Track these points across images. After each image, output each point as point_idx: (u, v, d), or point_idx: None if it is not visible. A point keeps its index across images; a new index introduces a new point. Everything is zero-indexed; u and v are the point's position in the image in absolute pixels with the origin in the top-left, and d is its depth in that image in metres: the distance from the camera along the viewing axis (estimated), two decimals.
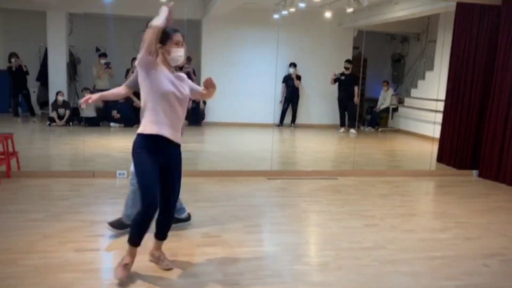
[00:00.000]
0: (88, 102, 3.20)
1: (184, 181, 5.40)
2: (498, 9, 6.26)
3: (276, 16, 9.39)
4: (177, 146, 3.00)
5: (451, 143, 6.83)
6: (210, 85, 3.14)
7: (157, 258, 3.10)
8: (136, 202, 3.25)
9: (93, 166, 5.89)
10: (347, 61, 10.47)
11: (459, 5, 6.60)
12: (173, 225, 3.23)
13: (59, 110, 9.33)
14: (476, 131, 6.58)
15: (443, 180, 6.24)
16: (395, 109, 11.19)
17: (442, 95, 7.16)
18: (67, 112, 9.40)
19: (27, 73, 9.97)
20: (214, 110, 10.73)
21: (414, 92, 10.67)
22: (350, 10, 8.51)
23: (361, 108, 11.30)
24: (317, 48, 11.04)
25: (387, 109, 11.15)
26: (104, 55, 10.01)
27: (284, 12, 8.88)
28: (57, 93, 9.28)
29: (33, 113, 10.11)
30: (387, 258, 3.45)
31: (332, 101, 10.84)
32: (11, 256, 3.15)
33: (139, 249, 2.98)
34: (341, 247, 3.64)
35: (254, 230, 3.96)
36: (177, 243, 3.53)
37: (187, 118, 10.96)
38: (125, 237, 3.57)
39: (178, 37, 2.93)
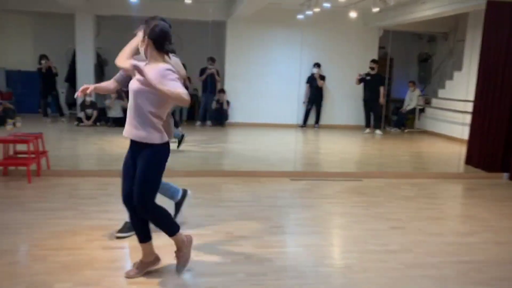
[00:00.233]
0: (86, 92, 3.16)
1: (208, 181, 5.49)
2: None
3: (300, 16, 9.36)
4: (139, 142, 2.83)
5: (480, 145, 6.66)
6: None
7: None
8: None
9: (120, 165, 5.97)
10: (373, 61, 10.34)
11: (489, 3, 6.43)
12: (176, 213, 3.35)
13: (86, 110, 9.55)
14: (506, 132, 6.38)
15: (472, 183, 6.08)
16: (422, 110, 10.99)
17: (471, 96, 6.99)
18: (95, 112, 9.61)
19: (56, 74, 10.23)
20: (237, 111, 10.77)
21: (441, 93, 10.46)
22: (376, 10, 8.40)
23: (387, 109, 11.14)
24: (342, 48, 10.95)
25: (413, 110, 10.96)
26: None
27: (309, 12, 8.84)
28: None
29: (61, 114, 10.36)
30: (414, 262, 3.38)
31: (357, 101, 10.73)
32: (41, 253, 3.24)
33: (162, 249, 3.00)
34: (366, 249, 3.59)
35: (278, 231, 3.95)
36: (201, 242, 3.55)
37: (210, 118, 10.99)
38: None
39: None
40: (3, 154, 5.33)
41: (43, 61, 9.91)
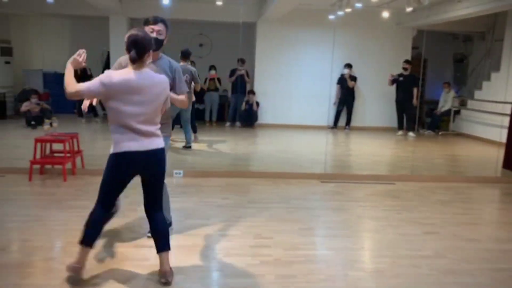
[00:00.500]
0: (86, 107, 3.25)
1: (237, 181, 5.50)
2: None
3: (331, 16, 9.26)
4: None
5: None
6: None
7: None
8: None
9: None
10: (406, 61, 10.13)
11: None
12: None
13: None
14: None
15: (510, 188, 5.85)
16: (457, 112, 10.67)
17: (510, 97, 6.73)
18: None
19: (91, 76, 10.50)
20: (267, 112, 10.76)
21: (478, 94, 10.13)
22: (409, 9, 8.21)
23: (421, 111, 10.87)
24: (374, 48, 10.78)
25: (448, 111, 10.66)
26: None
27: (340, 13, 8.74)
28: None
29: (96, 114, 10.63)
30: (448, 268, 3.28)
31: (389, 102, 10.53)
32: (75, 249, 3.31)
33: (196, 254, 3.01)
34: (398, 254, 3.50)
35: (307, 233, 3.91)
36: (230, 243, 3.56)
37: (239, 119, 11.02)
38: (179, 236, 3.66)
39: None
40: (41, 153, 5.51)
41: None
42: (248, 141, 8.86)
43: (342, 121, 10.81)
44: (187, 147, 7.36)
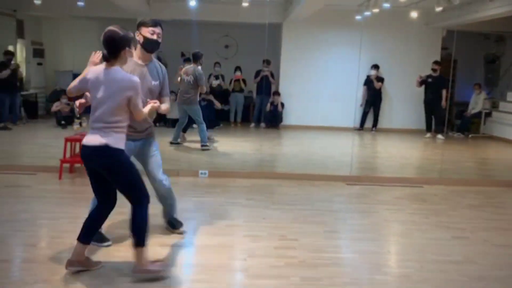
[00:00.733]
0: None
1: (262, 182, 5.50)
2: None
3: (358, 17, 9.16)
4: None
5: None
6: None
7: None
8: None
9: (178, 165, 6.16)
10: (435, 62, 9.91)
11: None
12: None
13: None
14: None
15: None
16: (488, 114, 10.38)
17: None
18: (155, 113, 9.94)
19: None
20: (292, 113, 10.73)
21: (510, 96, 9.83)
22: (439, 9, 8.05)
23: (450, 112, 10.62)
24: (402, 49, 10.60)
25: (479, 113, 10.38)
26: (188, 60, 10.45)
27: (367, 13, 8.64)
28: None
29: None
30: (478, 274, 3.19)
31: (417, 104, 10.33)
32: (103, 247, 3.38)
33: (220, 254, 3.02)
34: (426, 259, 3.43)
35: (333, 236, 3.87)
36: (254, 244, 3.56)
37: (264, 120, 11.00)
38: (204, 236, 3.68)
39: None
40: (70, 152, 5.64)
41: None
42: (273, 142, 8.85)
43: (368, 123, 10.67)
44: (204, 146, 7.36)
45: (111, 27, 2.83)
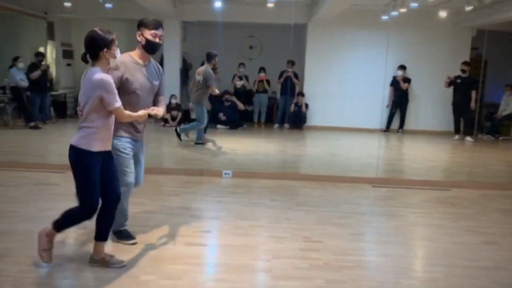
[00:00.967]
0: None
1: (285, 183, 5.48)
2: None
3: (385, 17, 9.03)
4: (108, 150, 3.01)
5: None
6: None
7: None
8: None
9: (201, 165, 6.21)
10: (464, 63, 9.67)
11: None
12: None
13: (172, 112, 10.01)
14: None
15: None
16: None
17: None
18: (179, 114, 10.06)
19: None
20: (316, 114, 10.66)
21: None
22: (469, 8, 7.85)
23: (480, 114, 10.36)
24: (430, 49, 10.39)
25: (510, 115, 10.08)
26: None
27: (394, 13, 8.50)
28: (170, 96, 9.97)
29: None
30: (509, 281, 3.09)
31: (445, 105, 10.11)
32: (128, 246, 3.43)
33: (244, 254, 3.01)
34: (454, 264, 3.34)
35: (358, 239, 3.82)
36: (278, 245, 3.54)
37: (288, 120, 11.01)
38: (228, 236, 3.69)
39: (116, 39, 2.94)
40: None
41: None
42: (297, 143, 8.81)
43: (394, 124, 10.50)
44: (199, 143, 7.57)
45: (93, 29, 2.88)
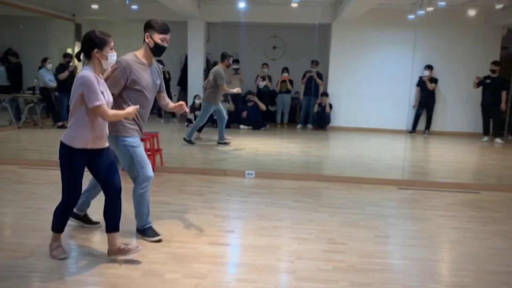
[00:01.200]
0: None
1: (309, 184, 5.44)
2: None
3: (411, 16, 8.87)
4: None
5: None
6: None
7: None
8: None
9: (225, 165, 6.23)
10: (494, 62, 9.41)
11: None
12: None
13: (196, 112, 10.08)
14: None
15: None
16: None
17: None
18: None
19: (169, 79, 10.97)
20: (340, 114, 10.56)
21: None
22: (499, 6, 7.63)
23: (510, 115, 10.05)
24: (459, 49, 10.16)
25: None
26: (236, 61, 10.56)
27: (421, 12, 8.35)
28: (194, 97, 10.04)
29: (173, 115, 11.09)
30: None
31: (473, 106, 9.86)
32: (153, 243, 3.47)
33: (268, 255, 3.00)
34: (484, 269, 3.25)
35: (383, 241, 3.75)
36: (302, 246, 3.52)
37: (311, 121, 10.92)
38: (251, 236, 3.68)
39: (112, 41, 3.00)
40: None
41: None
42: (320, 144, 8.74)
43: (421, 125, 10.31)
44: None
45: (93, 29, 3.00)
